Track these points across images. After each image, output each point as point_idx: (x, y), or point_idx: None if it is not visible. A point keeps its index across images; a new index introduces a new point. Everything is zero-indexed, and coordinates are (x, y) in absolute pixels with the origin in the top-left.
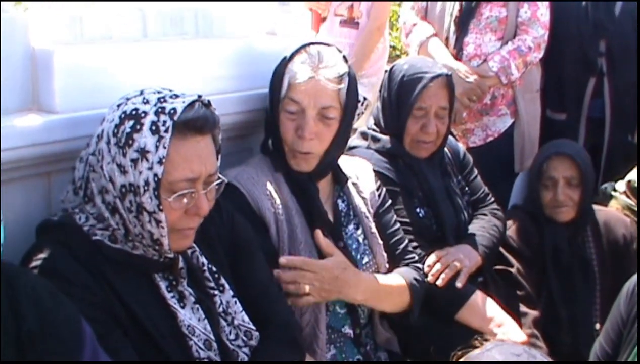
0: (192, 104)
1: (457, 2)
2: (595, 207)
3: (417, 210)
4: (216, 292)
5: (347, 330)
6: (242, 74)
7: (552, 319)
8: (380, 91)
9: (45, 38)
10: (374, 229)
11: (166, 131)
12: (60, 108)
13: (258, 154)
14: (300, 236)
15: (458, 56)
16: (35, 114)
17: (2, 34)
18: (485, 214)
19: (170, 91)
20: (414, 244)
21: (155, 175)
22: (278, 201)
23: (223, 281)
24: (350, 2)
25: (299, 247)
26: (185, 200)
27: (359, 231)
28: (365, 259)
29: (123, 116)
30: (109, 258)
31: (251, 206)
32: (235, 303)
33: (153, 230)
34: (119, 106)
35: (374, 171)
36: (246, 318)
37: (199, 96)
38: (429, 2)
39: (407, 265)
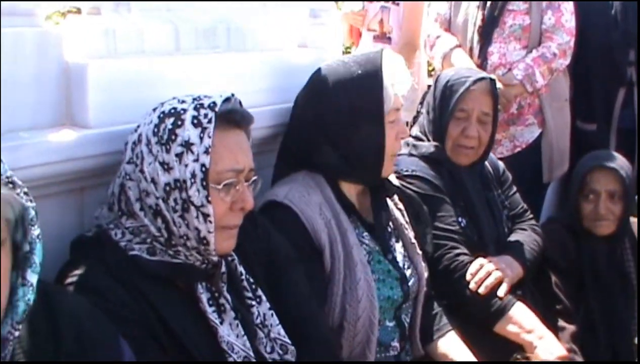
0: (228, 98)
1: (480, 12)
2: (632, 219)
3: (459, 219)
4: (254, 302)
5: (395, 343)
6: (274, 87)
7: (590, 333)
8: (424, 99)
9: (79, 52)
10: (413, 240)
11: (209, 122)
12: (93, 123)
13: (302, 171)
14: (355, 257)
15: (482, 66)
16: (68, 129)
17: (36, 49)
18: (524, 229)
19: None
20: (459, 250)
21: (203, 165)
22: (333, 221)
23: (260, 292)
24: (380, 17)
25: (355, 269)
26: (231, 191)
27: (399, 244)
28: (409, 271)
29: (162, 115)
30: (147, 273)
31: (305, 228)
32: (272, 315)
33: (200, 227)
34: (154, 110)
35: (420, 176)
36: (282, 332)
37: (232, 94)
38: (452, 13)
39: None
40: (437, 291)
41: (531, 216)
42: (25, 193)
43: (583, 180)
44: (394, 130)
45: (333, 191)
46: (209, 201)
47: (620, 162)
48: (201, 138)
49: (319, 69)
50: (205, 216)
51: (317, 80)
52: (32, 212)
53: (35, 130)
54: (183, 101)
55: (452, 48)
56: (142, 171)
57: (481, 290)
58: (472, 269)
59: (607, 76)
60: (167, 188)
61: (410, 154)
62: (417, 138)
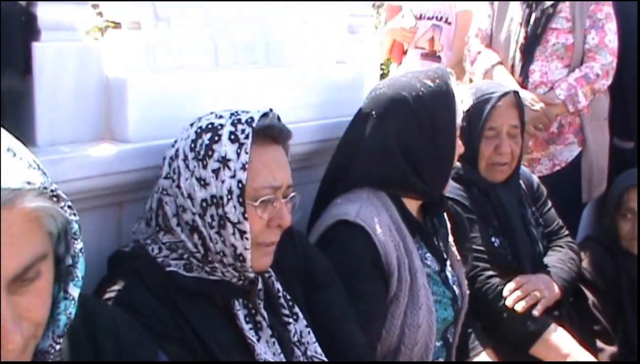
0: (266, 114)
1: (523, 29)
2: None
3: (493, 239)
4: (290, 320)
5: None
6: (312, 102)
7: (630, 354)
8: None
9: (119, 67)
10: (459, 257)
11: (246, 138)
12: (133, 137)
13: (364, 188)
14: (420, 281)
15: (524, 84)
16: (108, 143)
17: (77, 63)
18: (561, 247)
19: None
20: (490, 273)
21: (240, 181)
22: (401, 244)
23: (297, 310)
24: (430, 35)
25: (418, 293)
26: (268, 208)
27: (448, 261)
28: (457, 290)
29: (199, 130)
30: (185, 289)
31: (377, 249)
32: (309, 333)
33: (237, 243)
34: (191, 125)
35: (449, 197)
36: (319, 350)
37: (271, 109)
38: (494, 29)
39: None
40: (471, 312)
41: (567, 232)
42: (69, 207)
43: (620, 199)
44: (459, 146)
45: (398, 210)
46: (245, 218)
47: None
48: (238, 154)
49: (388, 83)
50: (242, 232)
51: (394, 94)
52: (76, 226)
53: (75, 144)
54: (220, 116)
55: (493, 65)
56: (179, 187)
57: (518, 308)
58: (510, 286)
59: None
60: (204, 204)
61: None
62: None
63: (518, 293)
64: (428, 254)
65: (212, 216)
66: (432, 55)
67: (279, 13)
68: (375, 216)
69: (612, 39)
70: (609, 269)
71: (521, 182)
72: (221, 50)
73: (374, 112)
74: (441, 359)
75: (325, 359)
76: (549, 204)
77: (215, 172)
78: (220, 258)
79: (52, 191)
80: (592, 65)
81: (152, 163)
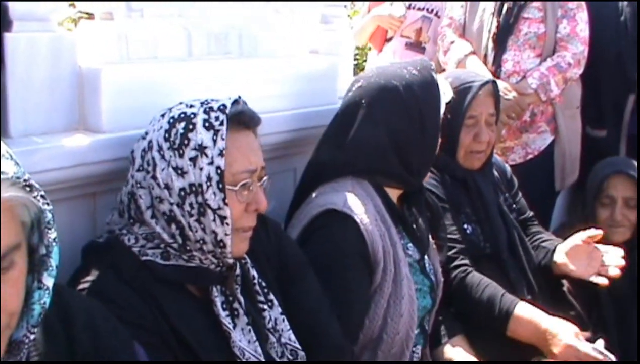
0: (236, 101)
1: (495, 19)
2: None
3: (465, 226)
4: (265, 306)
5: (418, 350)
6: (286, 92)
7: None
8: None
9: (92, 57)
10: (434, 246)
11: (221, 125)
12: (107, 128)
13: (348, 177)
14: (403, 271)
15: (496, 73)
16: (82, 134)
17: (50, 53)
18: (541, 231)
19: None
20: (463, 260)
21: (218, 167)
22: (386, 234)
23: (272, 297)
24: (418, 26)
25: (402, 283)
26: (246, 192)
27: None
28: (434, 278)
29: (172, 120)
30: (161, 278)
31: (364, 239)
32: (283, 320)
33: (217, 229)
34: (162, 116)
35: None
36: (293, 337)
37: (239, 96)
38: (467, 19)
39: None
40: (444, 299)
41: (537, 222)
42: (42, 196)
43: (600, 186)
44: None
45: (382, 200)
46: (225, 204)
47: (637, 168)
48: (214, 141)
49: (377, 72)
50: (223, 218)
51: (386, 83)
52: (49, 216)
53: (49, 134)
54: (191, 106)
55: (466, 54)
56: (154, 178)
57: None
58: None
59: (616, 83)
60: (182, 193)
61: None
62: None
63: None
64: (410, 244)
65: (190, 204)
66: (416, 46)
67: (252, 3)
68: (362, 205)
69: (583, 28)
70: None
71: (494, 170)
72: (194, 41)
73: (364, 101)
74: (419, 346)
75: (299, 346)
76: (520, 193)
77: (193, 160)
78: (200, 246)
79: (25, 180)
80: (564, 55)
81: (126, 154)
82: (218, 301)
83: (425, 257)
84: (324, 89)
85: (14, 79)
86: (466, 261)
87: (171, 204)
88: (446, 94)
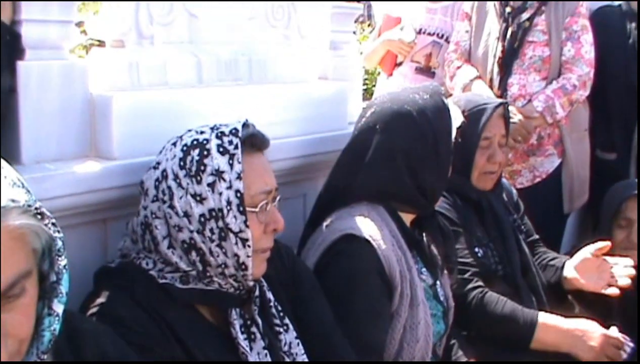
0: (245, 124)
1: (500, 44)
2: None
3: (476, 250)
4: (281, 330)
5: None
6: (295, 118)
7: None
8: None
9: (103, 84)
10: (445, 270)
11: (235, 148)
12: (118, 154)
13: (363, 202)
14: (419, 297)
15: (503, 97)
16: (93, 160)
17: (61, 81)
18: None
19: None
20: (477, 283)
21: (237, 191)
22: (403, 259)
23: (287, 320)
24: (428, 51)
25: (417, 309)
26: (264, 213)
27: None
28: (446, 303)
29: (185, 148)
30: (179, 302)
31: (382, 264)
32: (298, 344)
33: (239, 252)
34: (173, 144)
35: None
36: (307, 361)
37: (247, 120)
38: (472, 44)
39: None
40: (456, 323)
41: (542, 245)
42: (53, 224)
43: (618, 208)
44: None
45: (396, 224)
46: (247, 226)
47: None
48: (231, 165)
49: (389, 97)
50: (245, 241)
51: (400, 108)
52: (60, 243)
53: (60, 161)
54: (202, 132)
55: (472, 79)
56: (171, 207)
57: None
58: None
59: (626, 105)
60: (202, 219)
61: None
62: None
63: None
64: (424, 269)
65: (211, 230)
66: (426, 71)
67: (261, 30)
68: (379, 230)
69: (588, 50)
70: None
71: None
72: (204, 67)
73: (378, 127)
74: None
75: None
76: (525, 216)
77: (211, 185)
78: (222, 270)
79: (36, 208)
80: (569, 77)
81: (137, 180)
82: (236, 324)
83: (438, 282)
84: (333, 114)
85: (26, 106)
86: (480, 283)
87: (191, 231)
88: (456, 119)
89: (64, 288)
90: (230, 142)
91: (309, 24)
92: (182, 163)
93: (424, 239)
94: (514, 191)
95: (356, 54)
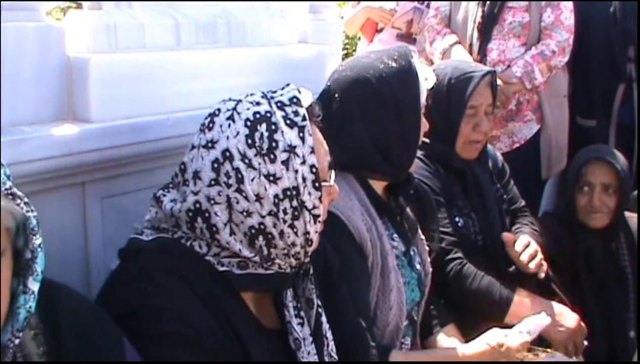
0: (298, 91)
1: (480, 9)
2: (627, 214)
3: (456, 219)
4: (321, 310)
5: (407, 341)
6: (274, 82)
7: (587, 327)
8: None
9: (81, 47)
10: (422, 236)
11: (304, 120)
12: (95, 117)
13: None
14: (390, 264)
15: (482, 63)
16: (70, 123)
17: (38, 43)
18: (525, 224)
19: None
20: (457, 253)
21: (312, 166)
22: (373, 227)
23: (321, 309)
24: (410, 17)
25: (389, 276)
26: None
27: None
28: (421, 270)
29: (249, 123)
30: (238, 289)
31: (353, 237)
32: (329, 328)
33: (310, 229)
34: (230, 118)
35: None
36: (334, 348)
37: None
38: (452, 9)
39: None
40: (436, 290)
41: (528, 212)
42: (25, 203)
43: (578, 172)
44: (423, 123)
45: (366, 192)
46: (321, 201)
47: (616, 155)
48: (302, 138)
49: (350, 64)
50: (316, 217)
51: (358, 76)
52: (34, 222)
53: (37, 124)
54: (258, 103)
55: (451, 45)
56: (239, 191)
57: (531, 265)
58: (521, 243)
59: (606, 73)
60: (276, 200)
61: None
62: None
63: (531, 252)
64: (395, 235)
65: (284, 210)
66: (407, 37)
67: None
68: (347, 201)
69: (567, 17)
70: (567, 244)
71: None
72: (183, 30)
73: (337, 95)
74: (408, 338)
75: (336, 358)
76: (512, 182)
77: (285, 163)
78: (287, 251)
79: (7, 189)
80: (548, 43)
81: (114, 143)
82: (290, 306)
83: (413, 248)
84: (312, 79)
85: (2, 68)
86: (460, 254)
87: (262, 216)
88: (428, 80)
89: (39, 266)
90: (296, 113)
91: None
92: (249, 141)
93: (399, 204)
94: (499, 157)
95: (336, 18)
